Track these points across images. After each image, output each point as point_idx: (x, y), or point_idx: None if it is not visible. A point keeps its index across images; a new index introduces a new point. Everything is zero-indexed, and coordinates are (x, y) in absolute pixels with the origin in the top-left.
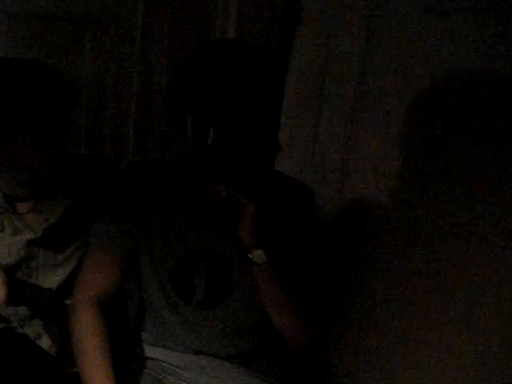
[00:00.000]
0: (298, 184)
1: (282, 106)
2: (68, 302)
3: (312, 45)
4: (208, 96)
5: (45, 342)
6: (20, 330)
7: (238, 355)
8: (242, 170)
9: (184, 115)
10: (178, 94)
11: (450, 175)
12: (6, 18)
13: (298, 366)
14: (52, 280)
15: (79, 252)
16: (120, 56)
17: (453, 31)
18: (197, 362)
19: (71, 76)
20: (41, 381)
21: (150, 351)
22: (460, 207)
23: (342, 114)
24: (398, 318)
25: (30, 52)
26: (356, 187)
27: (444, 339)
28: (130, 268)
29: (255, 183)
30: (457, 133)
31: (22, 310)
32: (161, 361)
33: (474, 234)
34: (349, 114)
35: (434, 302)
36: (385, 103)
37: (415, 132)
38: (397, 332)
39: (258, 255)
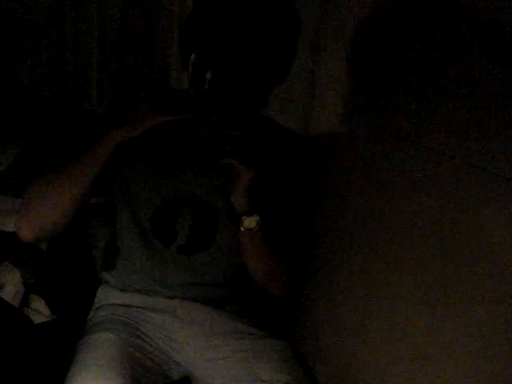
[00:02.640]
0: (293, 136)
1: None
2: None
3: None
4: (213, 36)
5: (8, 292)
6: None
7: (211, 300)
8: (239, 135)
9: (189, 49)
10: (188, 24)
11: (413, 98)
12: None
13: (271, 311)
14: (12, 226)
15: None
16: None
17: None
18: (169, 305)
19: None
20: (6, 333)
21: (120, 298)
22: (425, 130)
23: (305, 44)
24: (372, 258)
25: None
26: (321, 119)
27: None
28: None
29: (254, 150)
30: (416, 57)
31: None
32: (132, 306)
33: (438, 155)
34: (312, 43)
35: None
36: (346, 29)
37: (378, 58)
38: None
39: (249, 221)
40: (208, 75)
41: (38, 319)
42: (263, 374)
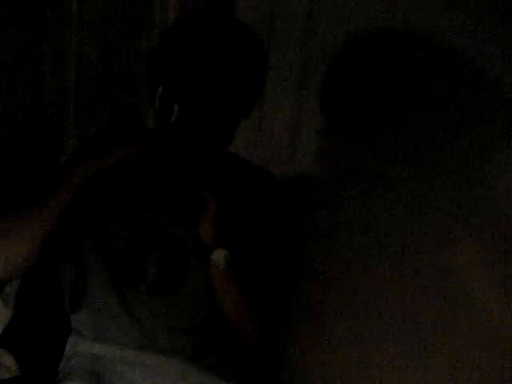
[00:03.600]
0: (263, 173)
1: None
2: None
3: (255, 7)
4: (179, 71)
5: None
6: None
7: (185, 351)
8: (204, 163)
9: (155, 84)
10: (154, 59)
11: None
12: None
13: (251, 365)
14: None
15: None
16: (57, 28)
17: None
18: (140, 358)
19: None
20: None
21: (90, 348)
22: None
23: (288, 86)
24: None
25: None
26: (305, 164)
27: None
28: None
29: (219, 178)
30: (400, 107)
31: None
32: (102, 357)
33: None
34: (296, 86)
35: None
36: (332, 68)
37: (364, 98)
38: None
39: (218, 255)
40: (175, 108)
41: (5, 375)
42: None
